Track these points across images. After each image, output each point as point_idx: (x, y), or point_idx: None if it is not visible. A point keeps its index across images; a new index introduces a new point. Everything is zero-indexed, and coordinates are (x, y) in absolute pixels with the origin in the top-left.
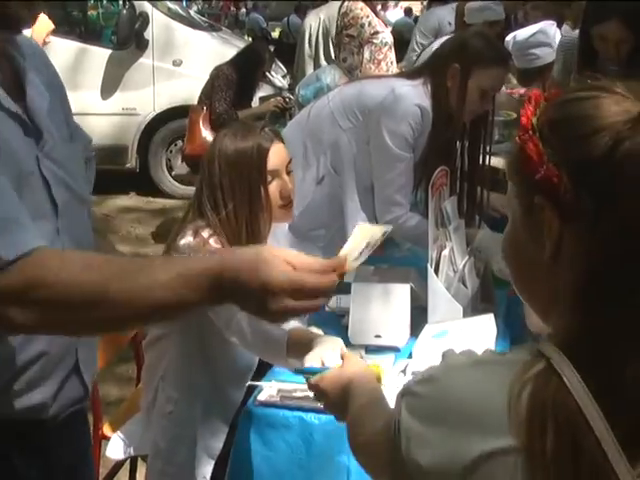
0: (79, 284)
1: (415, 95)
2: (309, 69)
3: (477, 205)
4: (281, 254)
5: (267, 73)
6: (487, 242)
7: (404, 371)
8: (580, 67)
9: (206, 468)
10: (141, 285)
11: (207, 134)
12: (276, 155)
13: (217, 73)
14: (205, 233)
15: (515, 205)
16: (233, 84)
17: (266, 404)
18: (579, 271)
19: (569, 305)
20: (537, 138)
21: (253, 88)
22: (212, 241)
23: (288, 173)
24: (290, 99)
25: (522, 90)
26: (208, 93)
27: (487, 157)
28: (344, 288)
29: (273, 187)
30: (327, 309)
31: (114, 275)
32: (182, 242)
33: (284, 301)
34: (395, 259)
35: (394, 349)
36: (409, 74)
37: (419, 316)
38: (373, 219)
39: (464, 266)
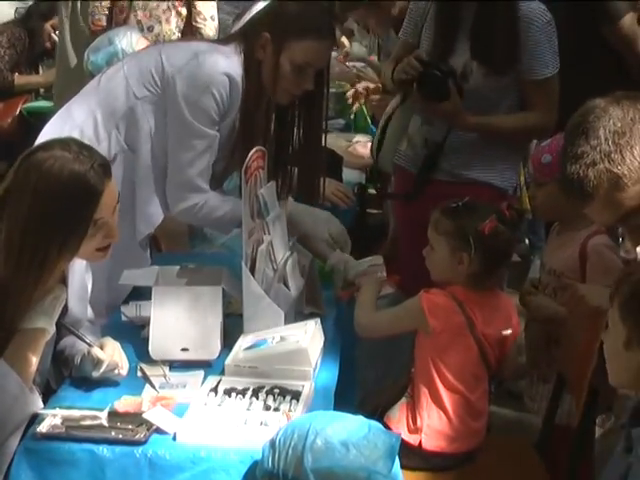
0: None
1: (225, 64)
2: None
3: (307, 193)
4: None
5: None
6: (300, 216)
7: (215, 390)
8: None
9: None
10: None
11: None
12: (106, 201)
13: (2, 29)
14: None
15: None
16: (19, 43)
17: (48, 437)
18: None
19: None
20: None
21: (42, 50)
22: None
23: (113, 211)
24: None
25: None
26: None
27: (322, 136)
28: (144, 293)
29: (97, 234)
30: (124, 319)
31: None
32: None
33: None
34: (205, 256)
35: (204, 364)
36: (222, 40)
37: (233, 324)
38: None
39: (285, 263)
